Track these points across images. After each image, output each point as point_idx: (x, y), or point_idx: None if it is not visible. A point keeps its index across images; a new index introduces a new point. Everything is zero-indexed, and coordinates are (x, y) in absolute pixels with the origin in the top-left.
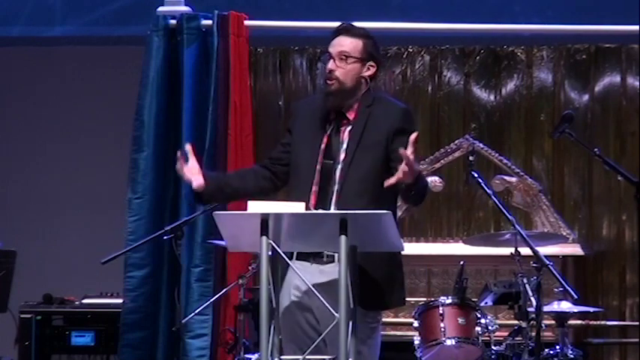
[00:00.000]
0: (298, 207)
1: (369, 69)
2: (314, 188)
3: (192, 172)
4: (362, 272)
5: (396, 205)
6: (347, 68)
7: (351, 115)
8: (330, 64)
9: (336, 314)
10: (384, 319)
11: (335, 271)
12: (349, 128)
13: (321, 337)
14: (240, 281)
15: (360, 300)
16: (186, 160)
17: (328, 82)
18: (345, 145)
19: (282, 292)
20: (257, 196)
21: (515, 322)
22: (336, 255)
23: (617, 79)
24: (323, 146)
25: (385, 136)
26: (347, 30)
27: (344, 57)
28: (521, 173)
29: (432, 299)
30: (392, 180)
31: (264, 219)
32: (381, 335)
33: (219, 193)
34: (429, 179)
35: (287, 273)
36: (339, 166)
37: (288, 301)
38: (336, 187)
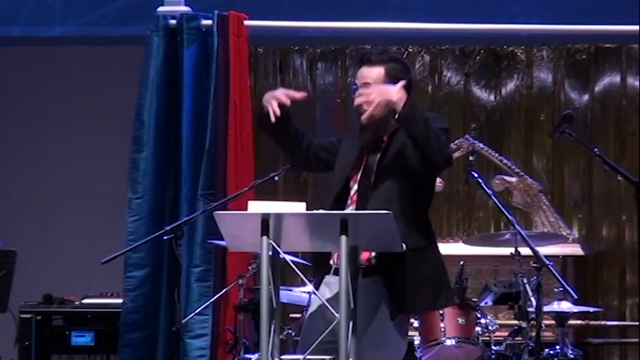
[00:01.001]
0: (299, 207)
1: None
2: (352, 206)
3: (279, 101)
4: (412, 274)
5: (427, 226)
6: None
7: (385, 138)
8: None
9: (336, 314)
10: None
11: (362, 283)
12: (381, 151)
13: (320, 339)
14: (240, 281)
15: (412, 304)
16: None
17: (361, 115)
18: (375, 167)
19: (314, 302)
20: (292, 159)
21: (515, 322)
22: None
23: (617, 79)
24: (362, 166)
25: (410, 148)
26: (368, 60)
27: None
28: (521, 173)
29: None
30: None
31: (265, 219)
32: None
33: (285, 134)
34: None
35: (320, 286)
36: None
37: (316, 309)
38: (368, 207)
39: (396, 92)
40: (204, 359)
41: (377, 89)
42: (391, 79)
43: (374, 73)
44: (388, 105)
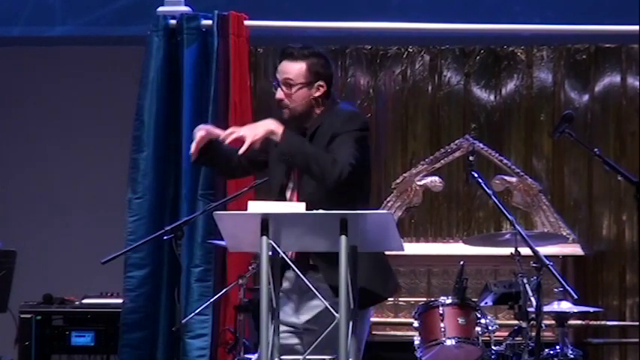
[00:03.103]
0: (298, 207)
1: (318, 89)
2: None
3: (202, 142)
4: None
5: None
6: (294, 95)
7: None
8: (278, 93)
9: (336, 314)
10: (384, 319)
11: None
12: None
13: (320, 338)
14: (240, 281)
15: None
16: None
17: (282, 110)
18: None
19: None
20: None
21: (515, 322)
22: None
23: (617, 79)
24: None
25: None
26: (290, 54)
27: (289, 84)
28: (521, 173)
29: (432, 299)
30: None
31: (265, 219)
32: (368, 334)
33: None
34: (429, 179)
35: None
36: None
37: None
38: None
39: (268, 124)
40: (204, 359)
41: (246, 129)
42: (312, 74)
43: (295, 68)
44: (267, 134)
